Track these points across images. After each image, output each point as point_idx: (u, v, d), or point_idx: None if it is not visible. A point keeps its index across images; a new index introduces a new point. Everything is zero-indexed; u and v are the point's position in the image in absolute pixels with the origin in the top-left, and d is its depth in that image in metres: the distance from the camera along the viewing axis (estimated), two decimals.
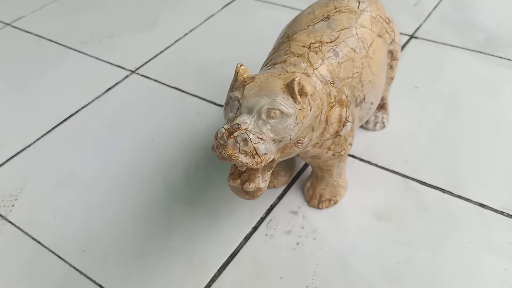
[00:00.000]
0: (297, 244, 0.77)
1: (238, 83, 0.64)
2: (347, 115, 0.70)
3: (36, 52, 1.30)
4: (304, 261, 0.75)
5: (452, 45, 1.14)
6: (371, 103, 0.77)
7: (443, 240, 0.75)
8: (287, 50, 0.71)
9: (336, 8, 0.75)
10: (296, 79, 0.61)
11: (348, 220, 0.80)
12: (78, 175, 0.93)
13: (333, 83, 0.69)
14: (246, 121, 0.60)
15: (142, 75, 1.17)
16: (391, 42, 0.79)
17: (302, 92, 0.62)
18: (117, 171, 0.93)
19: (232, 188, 0.66)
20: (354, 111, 0.74)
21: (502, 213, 0.78)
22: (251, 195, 0.65)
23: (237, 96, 0.63)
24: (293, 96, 0.61)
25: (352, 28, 0.73)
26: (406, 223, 0.78)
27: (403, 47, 1.15)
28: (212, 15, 1.36)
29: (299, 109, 0.62)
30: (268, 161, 0.61)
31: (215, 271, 0.75)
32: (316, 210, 0.82)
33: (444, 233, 0.76)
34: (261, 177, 0.64)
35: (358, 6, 0.76)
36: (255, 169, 0.64)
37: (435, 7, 1.27)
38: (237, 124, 0.60)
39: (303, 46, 0.70)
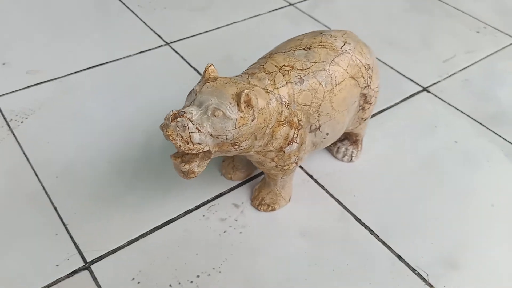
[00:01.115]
0: (224, 232, 0.87)
1: (203, 79, 0.75)
2: (294, 136, 0.79)
3: (100, 3, 1.47)
4: (222, 248, 0.85)
5: (457, 109, 1.17)
6: (327, 134, 0.84)
7: (347, 273, 0.82)
8: (261, 65, 0.80)
9: (320, 42, 0.83)
10: (245, 91, 0.70)
11: (277, 227, 0.88)
12: (84, 117, 1.08)
13: (288, 105, 0.78)
14: (193, 112, 0.71)
15: (172, 49, 1.30)
16: (365, 87, 0.86)
17: (249, 103, 0.71)
18: (120, 127, 1.06)
19: (173, 164, 0.77)
20: (307, 136, 0.82)
21: (414, 270, 0.84)
22: (185, 174, 0.76)
23: (196, 89, 0.73)
24: (238, 104, 0.71)
25: (326, 64, 0.81)
26: (324, 248, 0.86)
27: (411, 96, 1.20)
28: (258, 15, 1.46)
29: (241, 117, 0.71)
30: (201, 151, 0.72)
31: (149, 229, 0.87)
32: (255, 210, 0.91)
33: (351, 267, 0.83)
34: (197, 162, 0.75)
35: (342, 46, 0.83)
36: (194, 154, 0.74)
37: (463, 69, 1.30)
38: (184, 111, 0.70)
39: (276, 66, 0.79)
